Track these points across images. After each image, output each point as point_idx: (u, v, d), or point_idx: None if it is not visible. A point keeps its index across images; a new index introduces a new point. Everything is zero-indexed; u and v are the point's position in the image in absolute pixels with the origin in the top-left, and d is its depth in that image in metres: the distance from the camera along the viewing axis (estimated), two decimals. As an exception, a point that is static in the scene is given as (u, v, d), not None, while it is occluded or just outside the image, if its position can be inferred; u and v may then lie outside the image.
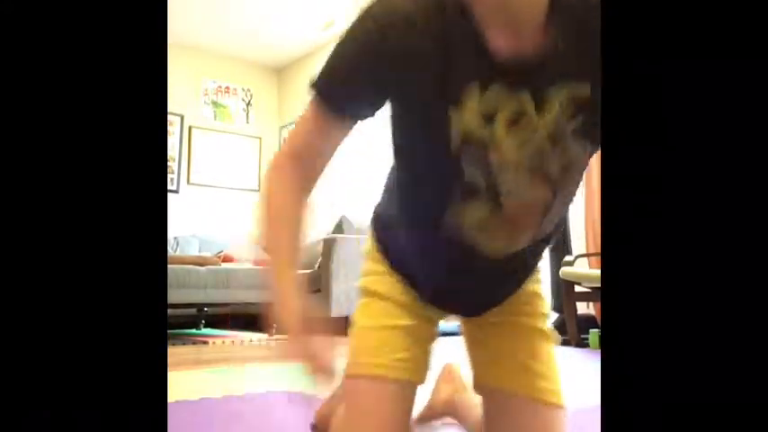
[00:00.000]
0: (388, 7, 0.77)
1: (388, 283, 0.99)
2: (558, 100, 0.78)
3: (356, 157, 4.75)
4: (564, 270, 3.18)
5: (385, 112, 0.89)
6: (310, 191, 0.89)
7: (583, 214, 3.63)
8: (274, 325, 0.80)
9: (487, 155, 0.80)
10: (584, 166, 0.87)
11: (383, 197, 1.04)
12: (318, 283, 4.09)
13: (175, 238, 5.16)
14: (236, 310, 4.92)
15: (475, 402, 1.17)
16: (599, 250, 3.40)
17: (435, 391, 1.38)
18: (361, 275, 1.04)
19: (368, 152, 4.56)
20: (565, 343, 3.23)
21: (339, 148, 0.88)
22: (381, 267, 1.01)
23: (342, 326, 1.12)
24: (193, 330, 4.55)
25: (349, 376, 0.94)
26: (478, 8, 0.74)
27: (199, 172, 5.92)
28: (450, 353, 1.25)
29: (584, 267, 3.40)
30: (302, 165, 0.87)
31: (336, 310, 3.83)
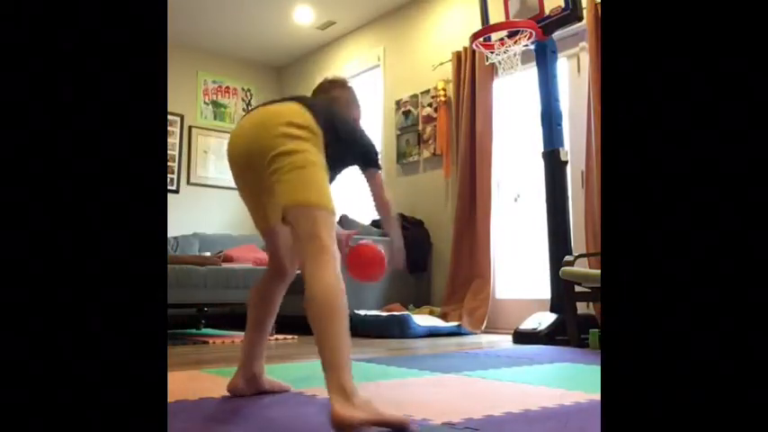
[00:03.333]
0: None
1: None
2: None
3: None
4: (564, 270, 3.18)
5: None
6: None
7: (583, 214, 3.62)
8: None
9: None
10: None
11: None
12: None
13: (175, 238, 5.16)
14: (235, 310, 4.92)
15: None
16: (599, 250, 3.40)
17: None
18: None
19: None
20: (565, 343, 3.22)
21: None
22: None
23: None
24: (193, 330, 4.55)
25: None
26: None
27: (199, 172, 5.93)
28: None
29: (584, 267, 3.40)
30: None
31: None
